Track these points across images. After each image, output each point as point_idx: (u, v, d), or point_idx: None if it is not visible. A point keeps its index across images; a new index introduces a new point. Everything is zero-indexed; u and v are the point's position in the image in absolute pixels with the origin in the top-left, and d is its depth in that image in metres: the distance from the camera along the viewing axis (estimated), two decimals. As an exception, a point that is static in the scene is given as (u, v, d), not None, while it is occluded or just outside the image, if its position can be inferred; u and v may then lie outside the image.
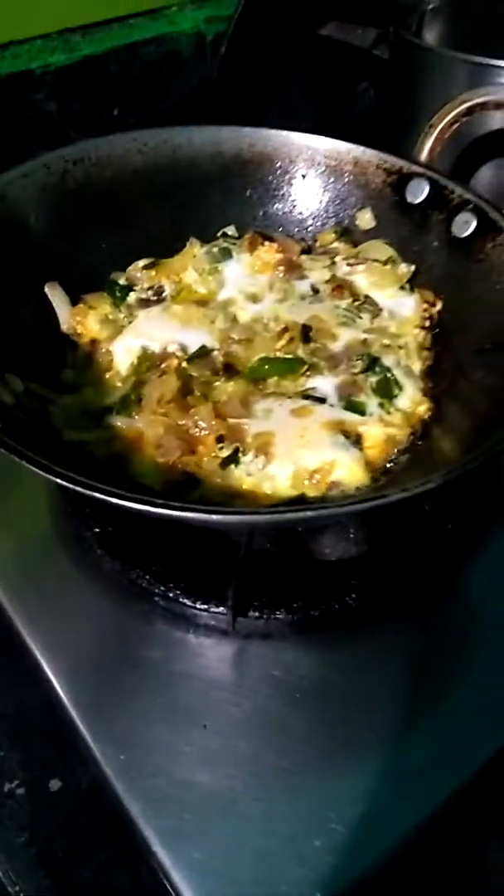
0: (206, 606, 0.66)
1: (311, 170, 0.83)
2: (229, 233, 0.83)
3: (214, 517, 0.48)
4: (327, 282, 0.79)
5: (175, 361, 0.71)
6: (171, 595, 0.66)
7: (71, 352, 0.75)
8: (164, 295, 0.79)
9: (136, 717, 0.62)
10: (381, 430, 0.67)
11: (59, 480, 0.49)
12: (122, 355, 0.73)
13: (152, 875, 0.78)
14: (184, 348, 0.73)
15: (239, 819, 0.57)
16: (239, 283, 0.79)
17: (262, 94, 1.14)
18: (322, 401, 0.69)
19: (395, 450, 0.68)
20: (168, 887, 0.57)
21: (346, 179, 0.82)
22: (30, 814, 0.83)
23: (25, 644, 0.68)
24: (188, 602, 0.66)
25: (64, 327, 0.75)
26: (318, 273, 0.80)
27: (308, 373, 0.71)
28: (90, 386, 0.72)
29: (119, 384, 0.72)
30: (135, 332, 0.74)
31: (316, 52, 1.12)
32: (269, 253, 0.80)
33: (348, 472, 0.64)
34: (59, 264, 0.76)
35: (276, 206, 0.85)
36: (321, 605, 0.66)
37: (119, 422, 0.68)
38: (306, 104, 1.18)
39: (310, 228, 0.85)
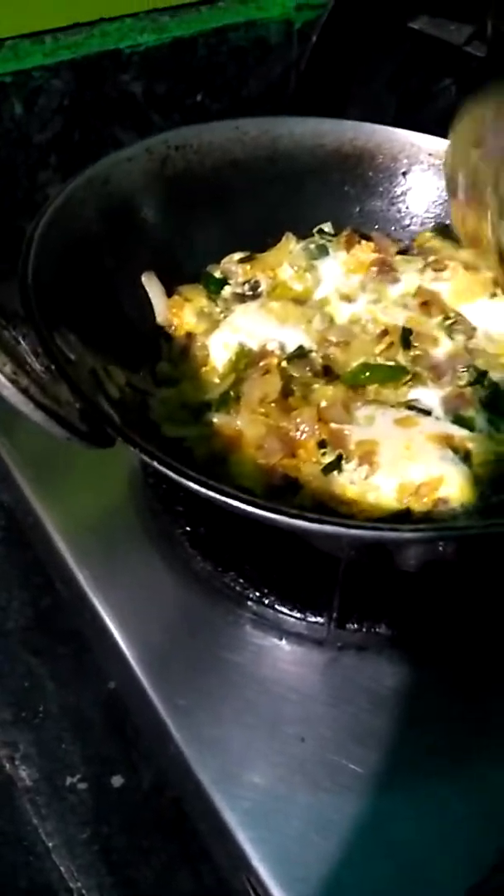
0: (302, 615, 0.64)
1: (414, 168, 0.81)
2: (326, 230, 0.80)
3: (362, 532, 0.47)
4: (414, 296, 0.77)
5: (275, 360, 0.69)
6: (265, 601, 0.65)
7: (166, 344, 0.73)
8: (259, 290, 0.77)
9: (228, 723, 0.61)
10: (492, 447, 0.64)
11: (190, 484, 0.48)
12: (219, 350, 0.71)
13: (215, 876, 0.78)
14: (282, 347, 0.71)
15: (337, 835, 0.56)
16: (335, 282, 0.77)
17: (345, 86, 1.12)
18: (427, 413, 0.67)
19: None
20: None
21: (450, 180, 0.80)
22: (92, 809, 0.82)
23: (112, 639, 0.66)
24: (283, 609, 0.64)
25: (160, 319, 0.73)
26: (410, 276, 0.78)
27: (410, 382, 0.69)
28: (187, 380, 0.70)
29: (217, 380, 0.70)
30: (231, 326, 0.72)
31: (404, 45, 1.09)
32: (365, 251, 0.78)
33: (458, 489, 0.61)
34: (156, 253, 0.74)
35: (374, 202, 0.82)
36: (422, 619, 0.64)
37: (218, 419, 0.66)
38: (389, 98, 1.15)
39: (408, 228, 0.83)
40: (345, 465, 0.63)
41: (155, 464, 0.48)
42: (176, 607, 0.67)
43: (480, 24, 1.01)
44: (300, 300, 0.76)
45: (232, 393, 0.67)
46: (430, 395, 0.68)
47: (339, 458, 0.63)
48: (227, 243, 0.79)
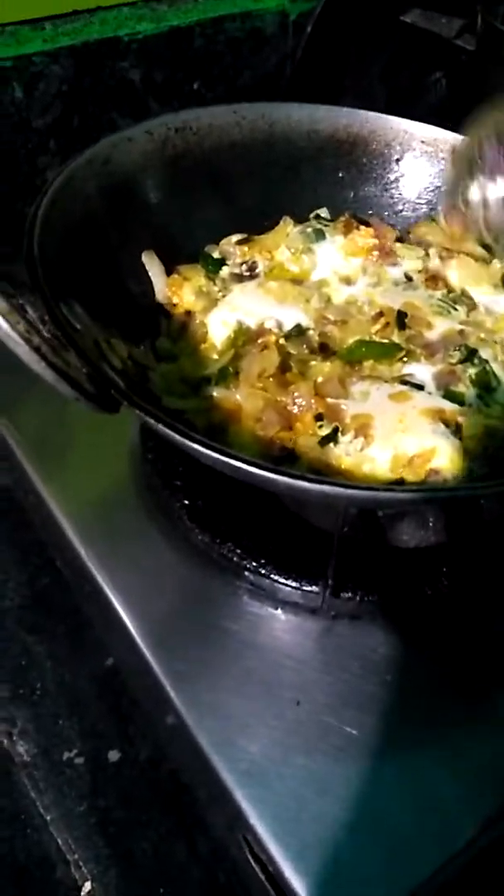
0: (297, 584, 0.66)
1: (407, 154, 0.83)
2: (322, 215, 0.82)
3: (359, 492, 0.48)
4: (420, 272, 0.79)
5: (273, 337, 0.70)
6: (261, 571, 0.66)
7: (166, 321, 0.74)
8: (257, 271, 0.78)
9: (227, 690, 0.62)
10: (481, 421, 0.66)
11: (195, 445, 0.49)
12: (218, 328, 0.73)
13: (211, 846, 0.79)
14: (279, 325, 0.72)
15: (332, 794, 0.57)
16: (331, 265, 0.79)
17: (339, 77, 1.14)
18: (420, 388, 0.69)
19: (493, 442, 0.67)
20: (264, 861, 0.57)
21: (442, 167, 0.82)
22: (89, 783, 0.83)
23: (114, 612, 0.67)
24: (279, 579, 0.66)
25: (159, 297, 0.75)
26: (411, 262, 0.80)
27: (405, 359, 0.71)
28: (186, 356, 0.72)
29: (215, 356, 0.71)
30: (230, 305, 0.74)
31: (396, 38, 1.11)
32: (363, 237, 0.79)
33: (448, 460, 0.63)
34: (156, 233, 0.76)
35: (368, 188, 0.84)
36: (413, 590, 0.66)
37: (217, 392, 0.67)
38: (380, 90, 1.17)
39: (401, 213, 0.84)
40: (341, 438, 0.64)
41: (160, 426, 0.50)
42: (176, 579, 0.69)
43: (471, 18, 1.03)
44: (298, 281, 0.78)
45: (231, 368, 0.69)
46: (423, 371, 0.70)
47: (336, 430, 0.65)
48: (225, 224, 0.80)
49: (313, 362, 0.70)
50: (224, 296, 0.76)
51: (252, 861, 0.61)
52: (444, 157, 0.81)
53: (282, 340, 0.70)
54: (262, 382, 0.67)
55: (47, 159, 0.99)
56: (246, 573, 0.67)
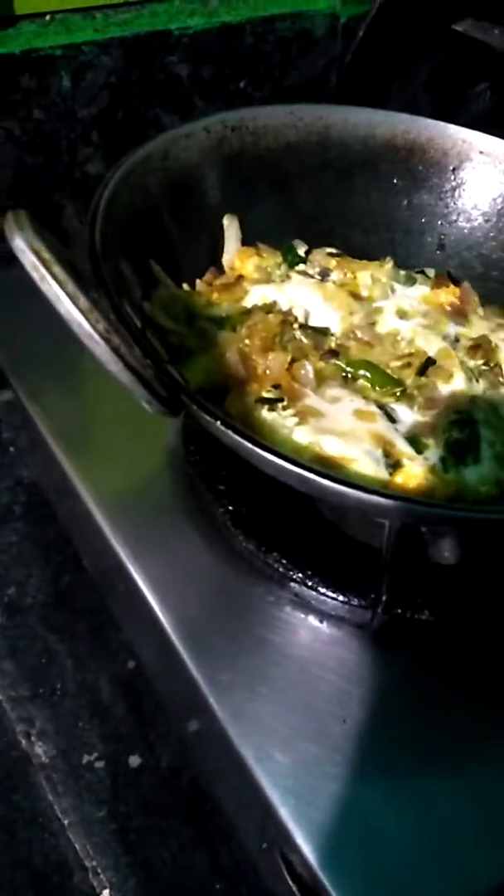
0: (345, 598, 0.64)
1: (465, 164, 0.81)
2: (428, 273, 0.81)
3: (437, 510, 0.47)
4: (470, 338, 0.75)
5: (290, 318, 0.70)
6: (308, 583, 0.65)
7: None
8: (329, 278, 0.77)
9: (269, 702, 0.61)
10: (423, 477, 0.62)
11: (268, 455, 0.47)
12: (254, 298, 0.72)
13: (234, 860, 0.78)
14: (307, 315, 0.71)
15: (379, 816, 0.56)
16: (399, 301, 0.77)
17: (386, 83, 1.12)
18: (392, 420, 0.66)
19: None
20: (305, 880, 0.55)
21: (501, 179, 0.80)
22: (109, 788, 0.82)
23: (151, 613, 0.66)
24: (327, 592, 0.64)
25: (226, 261, 0.75)
26: (478, 327, 0.77)
27: (399, 398, 0.68)
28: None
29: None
30: (279, 288, 0.73)
31: (445, 46, 1.10)
32: (447, 294, 0.78)
33: (360, 478, 0.60)
34: (211, 231, 0.75)
35: (423, 196, 0.83)
36: (468, 611, 0.64)
37: (205, 326, 0.68)
38: (426, 98, 1.16)
39: (456, 223, 0.83)
40: (280, 409, 0.63)
41: (230, 433, 0.48)
42: (215, 584, 0.67)
43: (525, 30, 1.02)
44: (357, 296, 0.76)
45: (232, 321, 0.69)
46: (407, 414, 0.67)
47: (280, 400, 0.63)
48: (280, 224, 0.79)
49: (310, 355, 0.68)
50: (282, 281, 0.74)
51: (290, 879, 0.60)
52: (503, 170, 0.80)
53: (296, 325, 0.69)
54: (249, 337, 0.67)
55: (89, 151, 0.98)
56: (292, 584, 0.65)
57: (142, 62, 0.95)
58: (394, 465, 0.62)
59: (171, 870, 0.77)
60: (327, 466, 0.59)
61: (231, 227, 0.75)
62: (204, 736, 0.72)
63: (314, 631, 0.65)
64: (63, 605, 0.92)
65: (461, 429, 0.65)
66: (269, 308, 0.71)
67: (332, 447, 0.61)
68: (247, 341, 0.67)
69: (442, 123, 0.81)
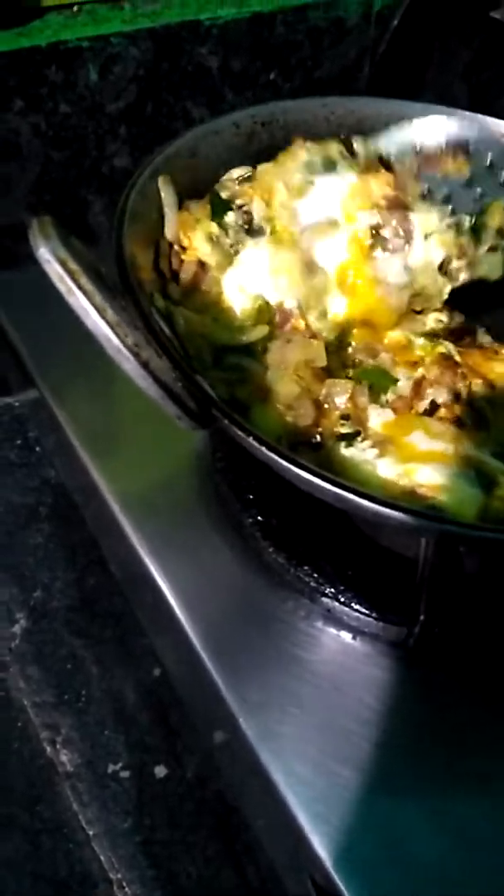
0: (379, 615, 0.62)
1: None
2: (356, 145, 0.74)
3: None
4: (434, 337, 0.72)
5: (301, 323, 0.67)
6: (340, 598, 0.63)
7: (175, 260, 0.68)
8: (255, 224, 0.70)
9: (299, 722, 0.59)
10: None
11: (306, 474, 0.45)
12: (235, 293, 0.67)
13: (261, 877, 0.76)
14: (301, 306, 0.68)
15: (414, 839, 0.54)
16: (326, 212, 0.70)
17: (420, 72, 1.09)
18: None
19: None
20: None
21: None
22: (134, 799, 0.80)
23: (177, 624, 0.64)
24: (360, 608, 0.62)
25: (168, 232, 0.67)
26: (424, 225, 0.72)
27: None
28: (207, 315, 0.66)
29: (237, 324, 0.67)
30: (245, 268, 0.68)
31: (482, 34, 1.06)
32: (379, 181, 0.71)
33: (457, 504, 0.57)
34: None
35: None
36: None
37: (249, 365, 0.64)
38: (461, 87, 1.12)
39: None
40: (358, 442, 0.61)
41: (263, 449, 0.46)
42: (243, 596, 0.65)
43: None
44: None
45: (260, 347, 0.65)
46: None
47: (358, 433, 0.61)
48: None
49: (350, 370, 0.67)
50: (237, 251, 0.69)
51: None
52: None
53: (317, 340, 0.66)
54: (301, 371, 0.63)
55: (116, 146, 0.96)
56: (324, 599, 0.63)
57: (171, 54, 0.92)
58: (488, 484, 0.59)
59: (197, 884, 0.76)
60: (419, 498, 0.56)
61: (167, 193, 0.66)
62: (230, 749, 0.70)
63: (346, 648, 0.63)
64: (89, 610, 0.91)
65: None
66: (270, 313, 0.67)
67: (424, 477, 0.58)
68: (299, 374, 0.63)
69: (480, 116, 0.78)
